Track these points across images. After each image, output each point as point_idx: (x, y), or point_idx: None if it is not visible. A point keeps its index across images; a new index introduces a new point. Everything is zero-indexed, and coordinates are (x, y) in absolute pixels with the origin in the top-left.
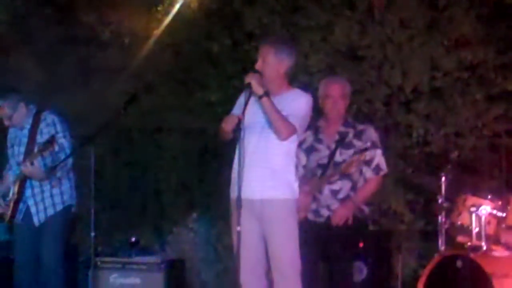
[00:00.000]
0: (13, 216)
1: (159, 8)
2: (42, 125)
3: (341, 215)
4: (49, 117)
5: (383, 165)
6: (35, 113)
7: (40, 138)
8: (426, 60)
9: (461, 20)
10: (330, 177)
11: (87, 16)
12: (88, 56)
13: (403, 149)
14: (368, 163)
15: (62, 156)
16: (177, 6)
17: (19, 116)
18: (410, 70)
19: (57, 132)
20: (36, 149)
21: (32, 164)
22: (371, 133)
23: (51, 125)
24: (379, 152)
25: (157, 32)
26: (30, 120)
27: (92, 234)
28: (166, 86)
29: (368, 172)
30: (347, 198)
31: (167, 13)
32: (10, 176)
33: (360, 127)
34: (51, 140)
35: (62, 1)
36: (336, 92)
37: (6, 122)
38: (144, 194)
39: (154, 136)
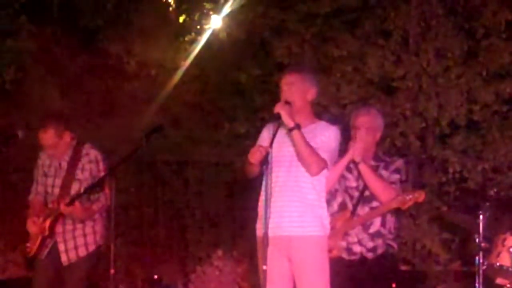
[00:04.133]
0: (38, 251)
1: (186, 39)
2: (84, 160)
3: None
4: (92, 153)
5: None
6: (76, 145)
7: (81, 174)
8: (463, 92)
9: (501, 50)
10: (366, 219)
11: (114, 46)
12: (114, 87)
13: (438, 185)
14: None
15: (102, 198)
16: (205, 37)
17: (63, 145)
18: (446, 102)
19: (99, 171)
20: (83, 189)
21: (73, 204)
22: (399, 164)
23: (93, 162)
24: (396, 177)
25: (184, 63)
26: (70, 152)
27: (112, 271)
28: (193, 119)
29: None
30: (378, 233)
31: (194, 43)
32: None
33: (389, 159)
34: (102, 184)
35: (88, 31)
36: (365, 123)
37: (49, 151)
38: (169, 229)
39: (180, 170)
